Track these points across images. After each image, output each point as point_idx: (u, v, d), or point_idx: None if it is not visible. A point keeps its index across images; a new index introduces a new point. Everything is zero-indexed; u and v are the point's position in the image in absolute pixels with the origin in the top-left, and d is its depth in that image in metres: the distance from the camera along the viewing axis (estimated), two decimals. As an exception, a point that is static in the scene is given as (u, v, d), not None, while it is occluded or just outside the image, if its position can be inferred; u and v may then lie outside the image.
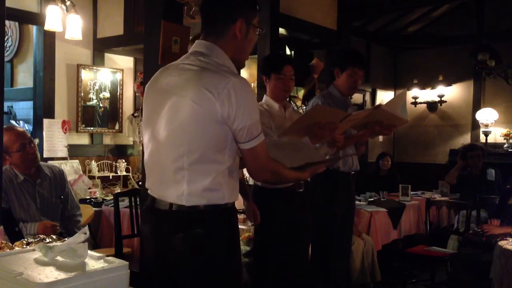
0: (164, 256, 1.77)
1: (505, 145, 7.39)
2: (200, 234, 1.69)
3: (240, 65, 1.90)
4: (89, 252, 1.43)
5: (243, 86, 1.67)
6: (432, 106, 8.28)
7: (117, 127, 6.00)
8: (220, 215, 1.73)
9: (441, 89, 8.01)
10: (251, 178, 3.18)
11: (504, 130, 7.48)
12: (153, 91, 1.82)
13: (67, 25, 4.59)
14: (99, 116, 5.81)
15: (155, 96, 1.79)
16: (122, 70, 6.02)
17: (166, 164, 1.71)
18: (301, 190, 3.03)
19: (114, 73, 5.95)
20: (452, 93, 8.09)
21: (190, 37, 3.36)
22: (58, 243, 1.55)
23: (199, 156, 1.66)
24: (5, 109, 4.78)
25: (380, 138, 8.15)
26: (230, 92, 1.62)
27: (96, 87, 5.76)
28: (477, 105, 7.82)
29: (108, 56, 5.96)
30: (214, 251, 1.72)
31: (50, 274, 1.29)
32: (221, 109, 1.62)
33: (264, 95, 3.14)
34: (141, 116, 1.98)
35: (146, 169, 1.87)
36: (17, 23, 5.48)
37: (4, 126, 3.14)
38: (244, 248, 3.38)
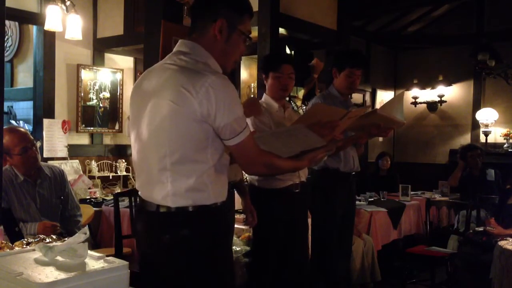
0: (152, 257, 1.77)
1: (505, 145, 7.39)
2: (186, 235, 1.68)
3: (225, 71, 1.82)
4: (89, 252, 1.43)
5: (222, 83, 1.64)
6: (432, 106, 8.27)
7: (117, 127, 6.00)
8: (207, 217, 1.71)
9: (441, 89, 8.00)
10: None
11: (504, 130, 7.48)
12: (137, 94, 1.82)
13: (67, 25, 4.59)
14: (99, 116, 5.81)
15: (139, 98, 1.78)
16: (122, 70, 6.02)
17: (151, 165, 1.71)
18: (297, 190, 3.01)
19: (114, 73, 5.95)
20: (452, 93, 8.08)
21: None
22: (58, 243, 1.55)
23: (180, 156, 1.65)
24: (5, 109, 4.79)
25: (380, 138, 8.15)
26: (209, 90, 1.60)
27: (96, 87, 5.76)
28: (477, 105, 7.81)
29: (108, 56, 5.96)
30: (201, 253, 1.71)
31: (50, 274, 1.29)
32: (200, 108, 1.60)
33: (264, 94, 3.15)
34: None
35: (134, 170, 1.88)
36: (17, 23, 5.49)
37: (7, 127, 3.15)
38: (244, 248, 3.37)
